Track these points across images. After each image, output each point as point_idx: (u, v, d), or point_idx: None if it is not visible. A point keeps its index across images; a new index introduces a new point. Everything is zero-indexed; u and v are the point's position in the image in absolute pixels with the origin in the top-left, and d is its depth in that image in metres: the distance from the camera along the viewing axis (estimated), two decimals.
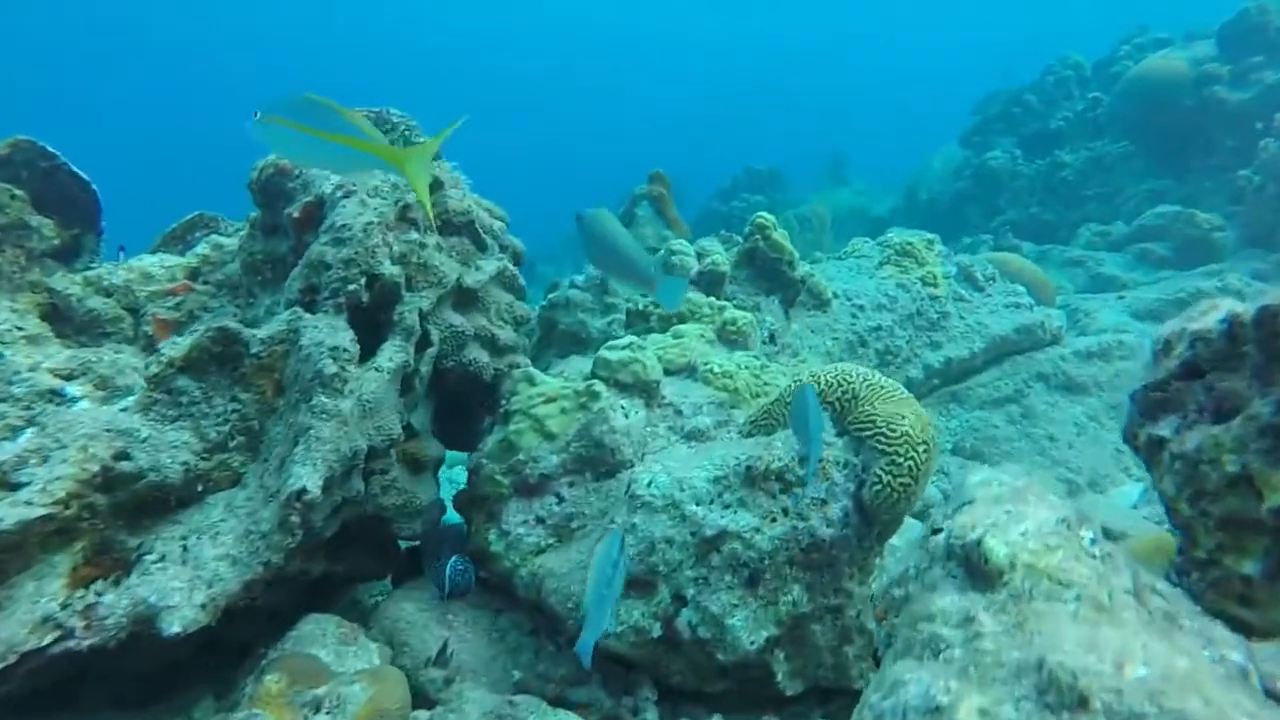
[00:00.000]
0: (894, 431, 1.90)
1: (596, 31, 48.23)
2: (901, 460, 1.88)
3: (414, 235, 2.24)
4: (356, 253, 2.04)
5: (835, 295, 3.69)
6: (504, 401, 2.44)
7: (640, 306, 3.10)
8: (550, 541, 2.25)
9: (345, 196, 2.16)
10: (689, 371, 2.61)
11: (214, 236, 2.71)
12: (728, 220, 13.95)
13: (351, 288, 2.03)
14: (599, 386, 2.32)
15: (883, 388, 2.03)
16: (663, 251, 3.23)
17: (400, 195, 2.27)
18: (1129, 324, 4.39)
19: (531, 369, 2.44)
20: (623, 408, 2.33)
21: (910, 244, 3.95)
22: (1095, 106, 8.53)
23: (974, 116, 10.59)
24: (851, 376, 2.06)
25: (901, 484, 1.85)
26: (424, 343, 2.27)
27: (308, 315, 1.95)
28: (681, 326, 2.83)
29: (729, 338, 2.88)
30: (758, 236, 3.32)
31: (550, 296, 3.93)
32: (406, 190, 2.29)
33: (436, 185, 2.38)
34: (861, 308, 3.62)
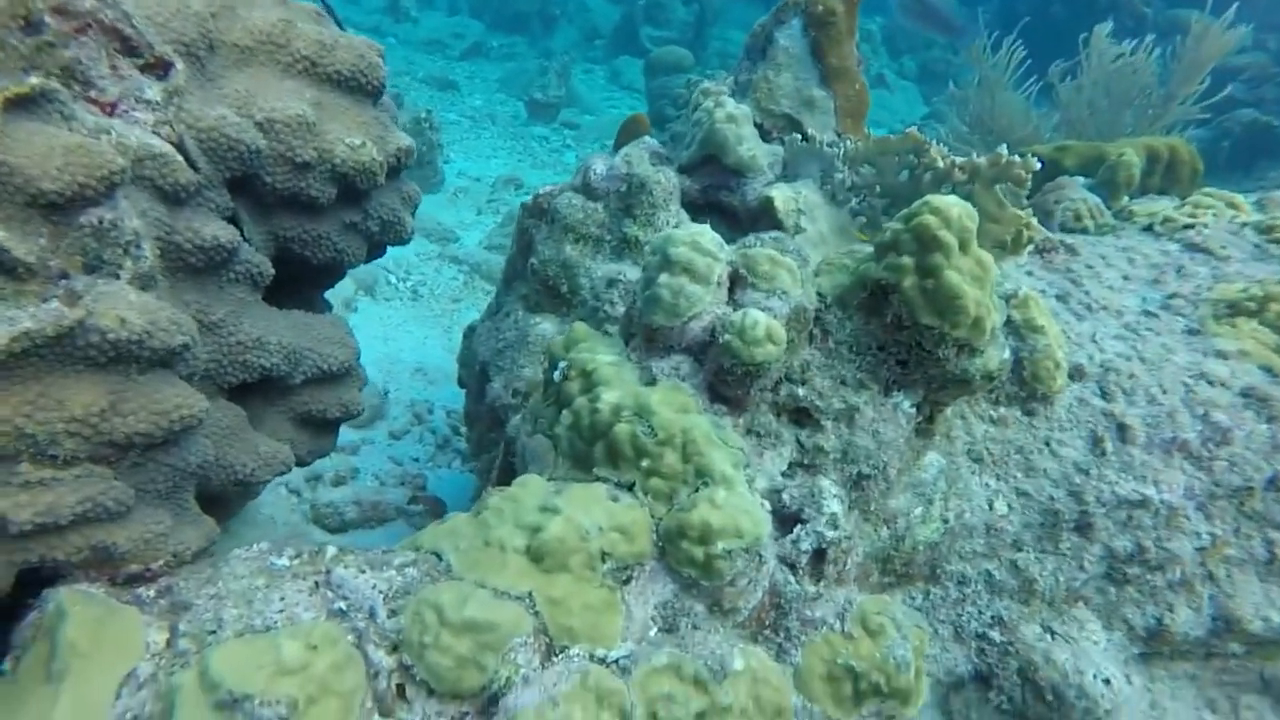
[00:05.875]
0: None
1: None
2: None
3: None
4: None
5: (1078, 374, 1.64)
6: None
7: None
8: None
9: None
10: None
11: None
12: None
13: None
14: None
15: None
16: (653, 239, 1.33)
17: None
18: None
19: None
20: None
21: None
22: None
23: None
24: None
25: None
26: None
27: None
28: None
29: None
30: (906, 260, 1.30)
31: (538, 194, 2.17)
32: None
33: None
34: (1123, 431, 1.57)
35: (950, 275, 1.28)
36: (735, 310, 1.28)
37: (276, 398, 1.48)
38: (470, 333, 2.58)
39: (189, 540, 1.18)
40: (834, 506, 1.25)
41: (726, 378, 1.26)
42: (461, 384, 2.71)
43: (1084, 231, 2.69)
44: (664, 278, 1.28)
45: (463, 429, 3.51)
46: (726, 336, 1.23)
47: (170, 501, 1.16)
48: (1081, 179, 3.11)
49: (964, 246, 1.30)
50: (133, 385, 1.05)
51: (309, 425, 1.57)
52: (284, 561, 1.11)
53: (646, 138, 2.47)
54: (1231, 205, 2.09)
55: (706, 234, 1.30)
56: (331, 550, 1.14)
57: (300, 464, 1.60)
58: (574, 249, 2.03)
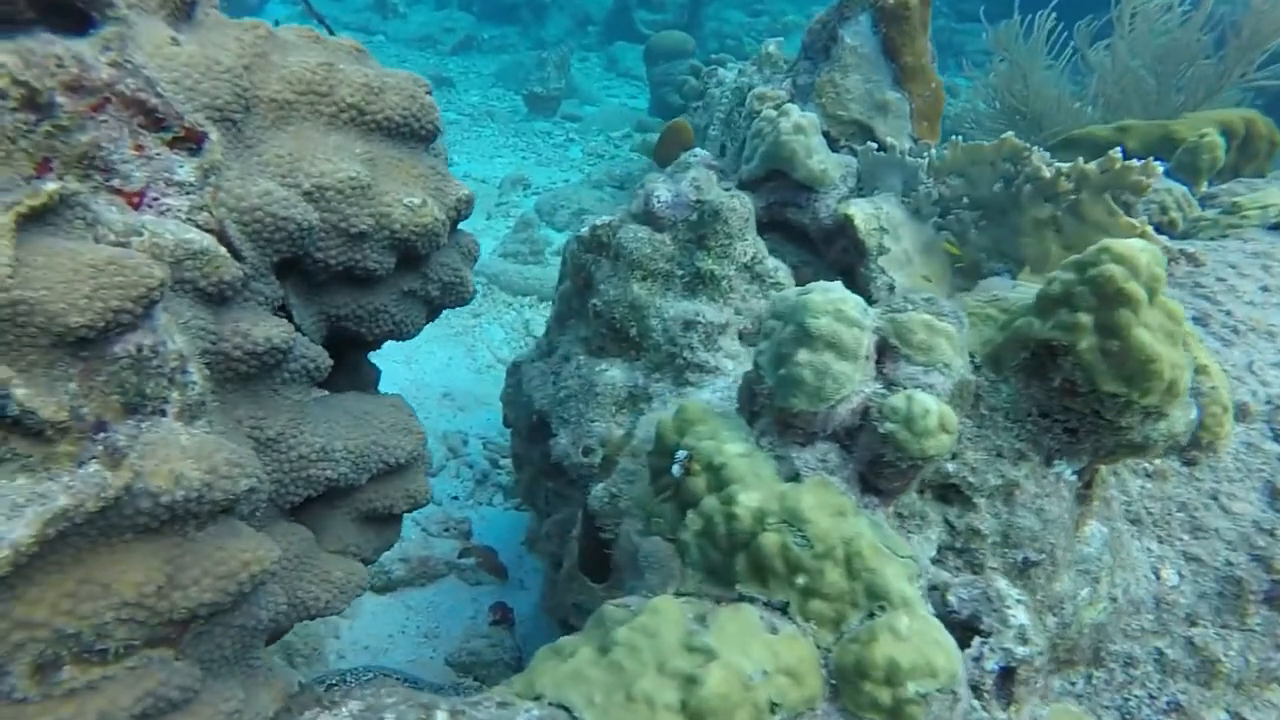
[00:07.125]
0: None
1: None
2: None
3: None
4: None
5: (1241, 413, 1.45)
6: None
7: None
8: None
9: None
10: None
11: None
12: None
13: None
14: None
15: None
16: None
17: None
18: None
19: None
20: None
21: None
22: None
23: None
24: None
25: None
26: None
27: None
28: None
29: None
30: (1090, 297, 1.09)
31: (595, 225, 1.96)
32: None
33: None
34: None
35: (1140, 335, 1.07)
36: (887, 388, 1.08)
37: (339, 500, 1.28)
38: (516, 370, 2.38)
39: (264, 706, 0.98)
40: (1021, 617, 1.06)
41: (885, 470, 1.06)
42: (507, 423, 2.52)
43: (1173, 227, 2.48)
44: (804, 355, 1.07)
45: (501, 460, 3.32)
46: (890, 425, 1.03)
47: (241, 664, 0.97)
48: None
49: (1152, 298, 1.10)
50: (191, 547, 0.85)
51: (374, 522, 1.37)
52: None
53: (698, 149, 2.25)
54: None
55: (849, 300, 1.09)
56: (441, 716, 0.95)
57: (366, 563, 1.41)
58: (641, 287, 1.82)
